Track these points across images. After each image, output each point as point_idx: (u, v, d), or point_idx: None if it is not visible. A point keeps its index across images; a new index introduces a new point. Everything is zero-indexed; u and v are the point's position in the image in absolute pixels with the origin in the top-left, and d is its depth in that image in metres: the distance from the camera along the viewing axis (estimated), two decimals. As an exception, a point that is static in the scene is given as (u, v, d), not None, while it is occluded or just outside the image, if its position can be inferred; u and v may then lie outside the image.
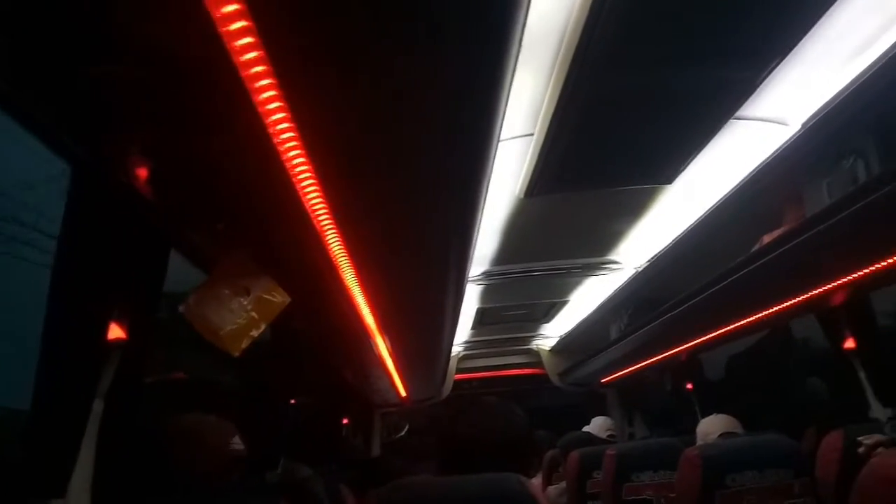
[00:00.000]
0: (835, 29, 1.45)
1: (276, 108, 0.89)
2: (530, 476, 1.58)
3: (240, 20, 0.72)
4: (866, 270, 2.02)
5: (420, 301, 2.12)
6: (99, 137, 1.11)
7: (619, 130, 1.83)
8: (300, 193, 1.16)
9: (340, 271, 1.61)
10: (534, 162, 2.00)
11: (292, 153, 1.02)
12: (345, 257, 1.51)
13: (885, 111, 1.63)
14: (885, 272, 2.01)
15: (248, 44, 0.76)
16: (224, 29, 0.74)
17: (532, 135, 1.88)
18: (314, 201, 1.20)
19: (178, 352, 2.27)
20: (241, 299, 1.50)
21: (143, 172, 1.18)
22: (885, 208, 1.53)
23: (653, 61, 1.52)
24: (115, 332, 1.39)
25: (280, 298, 1.57)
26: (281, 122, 0.93)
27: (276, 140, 0.97)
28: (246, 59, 0.79)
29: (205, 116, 0.96)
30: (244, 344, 1.50)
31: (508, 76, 0.99)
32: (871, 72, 1.55)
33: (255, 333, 1.52)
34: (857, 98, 1.62)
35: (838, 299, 2.57)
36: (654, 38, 1.43)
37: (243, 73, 0.81)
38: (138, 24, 0.76)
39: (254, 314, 1.52)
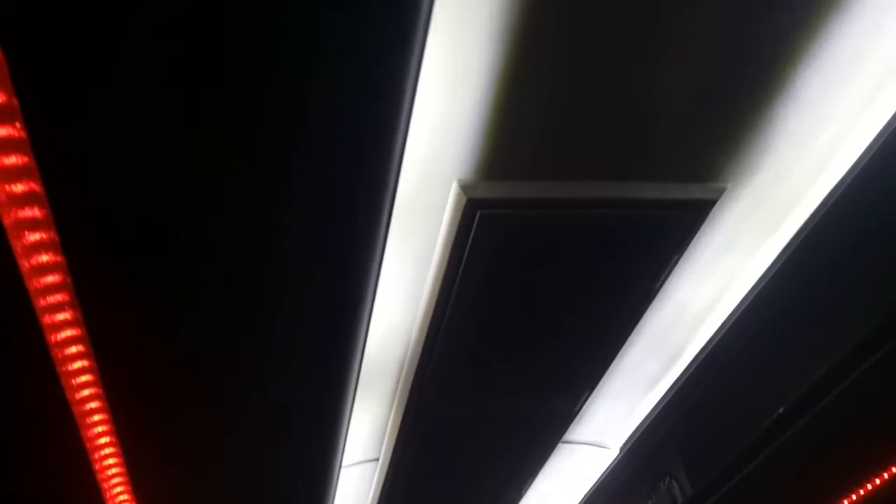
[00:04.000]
0: (628, 366, 1.73)
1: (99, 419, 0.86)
2: None
3: (52, 271, 0.74)
4: None
5: None
6: None
7: (461, 455, 1.91)
8: None
9: None
10: (380, 486, 1.98)
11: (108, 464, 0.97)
12: None
13: (687, 436, 1.87)
14: None
15: (56, 284, 0.76)
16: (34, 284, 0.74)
17: (377, 459, 1.91)
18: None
19: None
20: None
21: None
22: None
23: (484, 390, 1.69)
24: None
25: None
26: (104, 447, 0.91)
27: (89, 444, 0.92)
28: (51, 302, 0.77)
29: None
30: None
31: (349, 403, 1.08)
32: (664, 402, 1.82)
33: None
34: (661, 424, 1.86)
35: None
36: (484, 368, 1.62)
37: (44, 321, 0.78)
38: None
39: None
